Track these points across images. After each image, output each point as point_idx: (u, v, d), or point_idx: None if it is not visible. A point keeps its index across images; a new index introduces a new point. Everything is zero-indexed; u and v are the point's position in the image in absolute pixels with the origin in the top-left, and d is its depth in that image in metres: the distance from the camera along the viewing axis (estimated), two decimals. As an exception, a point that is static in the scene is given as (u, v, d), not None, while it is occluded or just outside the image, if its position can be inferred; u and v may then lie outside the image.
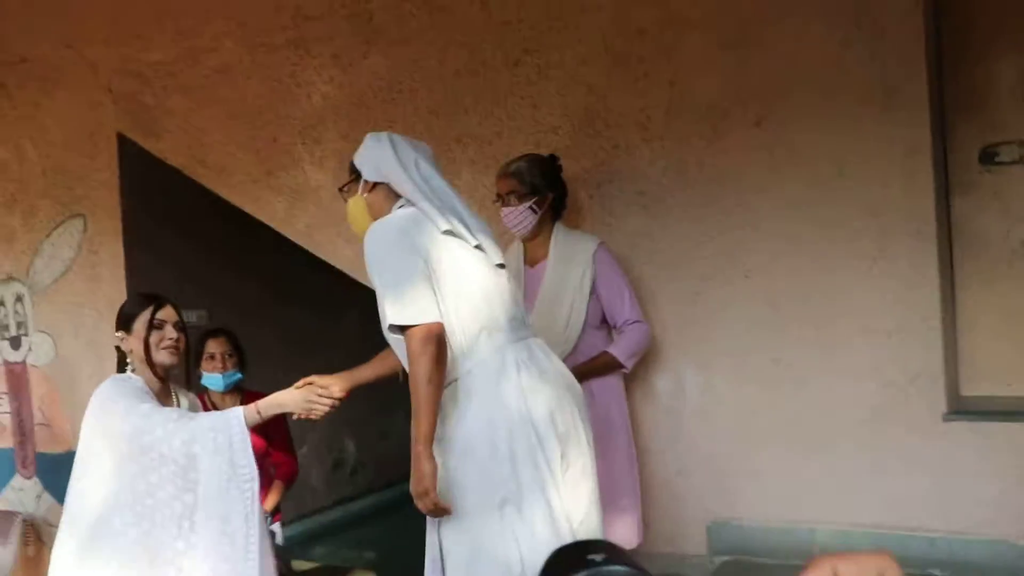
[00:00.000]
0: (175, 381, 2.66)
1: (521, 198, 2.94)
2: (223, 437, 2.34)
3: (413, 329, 2.16)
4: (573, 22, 3.36)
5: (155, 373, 2.57)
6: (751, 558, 3.12)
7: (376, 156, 2.44)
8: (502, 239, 2.75)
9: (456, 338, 2.24)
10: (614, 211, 3.30)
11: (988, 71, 2.96)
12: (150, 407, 2.41)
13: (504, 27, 3.45)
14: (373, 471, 5.58)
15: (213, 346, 3.51)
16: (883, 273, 2.95)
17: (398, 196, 2.39)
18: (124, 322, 2.62)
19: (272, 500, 3.52)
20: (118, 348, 2.64)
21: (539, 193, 2.95)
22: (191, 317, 4.24)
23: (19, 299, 4.66)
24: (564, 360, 2.57)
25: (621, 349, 2.99)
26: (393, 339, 2.28)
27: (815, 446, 3.03)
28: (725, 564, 3.14)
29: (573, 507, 2.30)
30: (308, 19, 3.85)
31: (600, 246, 3.04)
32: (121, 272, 4.32)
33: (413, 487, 2.18)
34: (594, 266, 3.01)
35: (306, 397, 2.49)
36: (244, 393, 3.55)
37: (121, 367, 2.62)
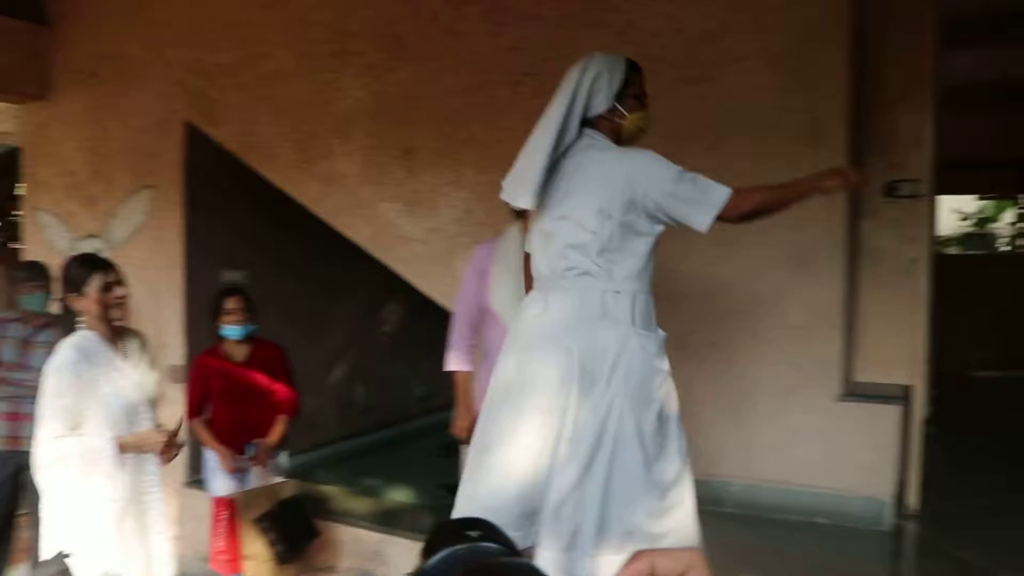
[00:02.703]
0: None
1: None
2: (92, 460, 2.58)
3: None
4: (568, 53, 3.55)
5: (109, 327, 2.68)
6: (679, 503, 3.65)
7: None
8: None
9: None
10: (591, 212, 3.83)
11: (894, 122, 3.45)
12: (62, 408, 2.52)
13: (509, 52, 3.86)
14: (379, 412, 5.75)
15: (231, 303, 3.74)
16: (800, 278, 3.38)
17: None
18: (75, 285, 2.62)
19: (277, 432, 3.78)
20: (67, 308, 2.69)
21: None
22: (236, 276, 4.80)
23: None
24: None
25: None
26: None
27: (735, 415, 3.50)
28: (658, 507, 3.67)
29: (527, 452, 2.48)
30: (349, 36, 4.23)
31: None
32: (180, 235, 4.70)
33: None
34: None
35: (147, 439, 2.70)
36: (254, 341, 3.83)
37: (72, 325, 2.69)
